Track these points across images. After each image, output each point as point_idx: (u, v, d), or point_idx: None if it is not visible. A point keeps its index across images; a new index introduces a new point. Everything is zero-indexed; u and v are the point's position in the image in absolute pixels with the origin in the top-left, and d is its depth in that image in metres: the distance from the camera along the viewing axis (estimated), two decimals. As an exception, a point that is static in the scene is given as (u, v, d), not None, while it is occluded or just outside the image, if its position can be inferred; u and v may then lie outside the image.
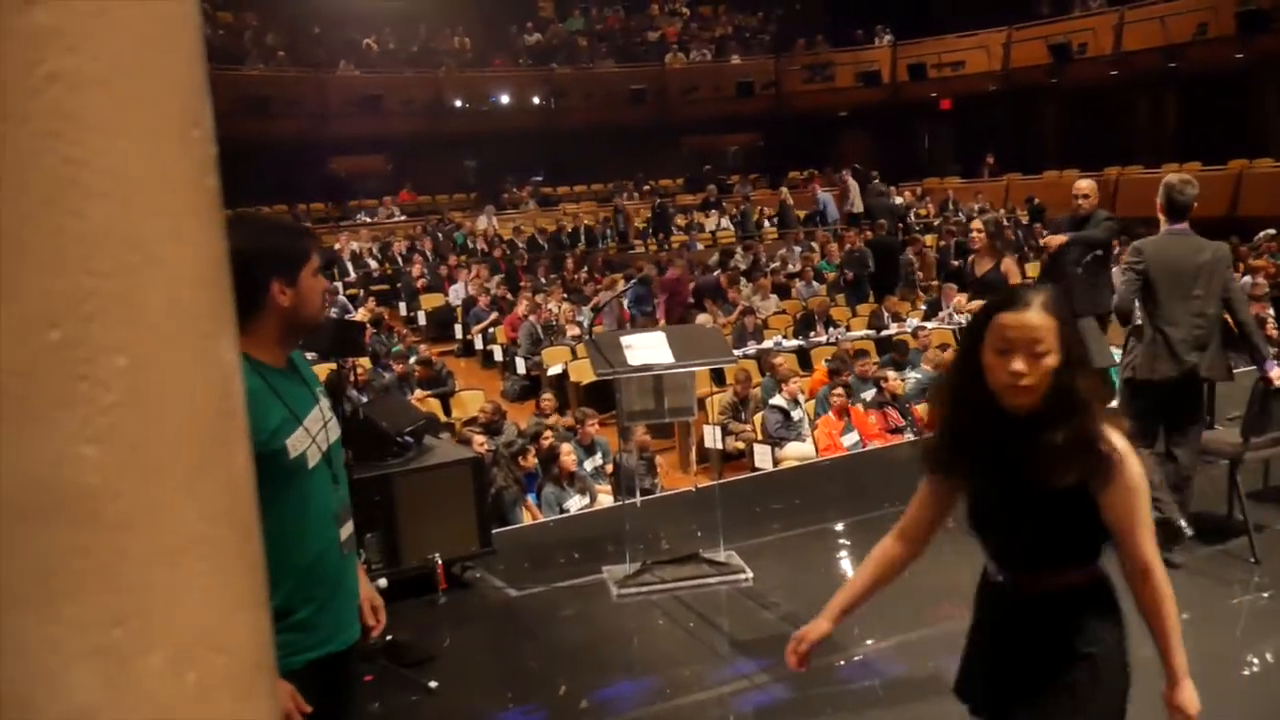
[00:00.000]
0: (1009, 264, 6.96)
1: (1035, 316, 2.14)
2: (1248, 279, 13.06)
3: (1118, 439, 2.18)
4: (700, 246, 19.84)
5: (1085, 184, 7.28)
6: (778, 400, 9.14)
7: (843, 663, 4.56)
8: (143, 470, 0.75)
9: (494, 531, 5.98)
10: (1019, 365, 2.13)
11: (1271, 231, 8.37)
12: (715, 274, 15.61)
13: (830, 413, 8.95)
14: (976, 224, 7.26)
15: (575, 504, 7.62)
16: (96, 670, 0.70)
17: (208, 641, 0.77)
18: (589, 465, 8.21)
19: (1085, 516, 2.21)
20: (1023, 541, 2.31)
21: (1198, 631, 4.59)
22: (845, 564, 5.79)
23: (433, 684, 4.50)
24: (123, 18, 0.79)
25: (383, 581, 5.18)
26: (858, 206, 21.35)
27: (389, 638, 4.85)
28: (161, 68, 0.81)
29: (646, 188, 24.58)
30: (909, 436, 8.71)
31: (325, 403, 2.59)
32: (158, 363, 0.76)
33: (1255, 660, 4.32)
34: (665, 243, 19.97)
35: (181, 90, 0.83)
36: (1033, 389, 2.14)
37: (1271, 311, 10.79)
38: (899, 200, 22.09)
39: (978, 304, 6.62)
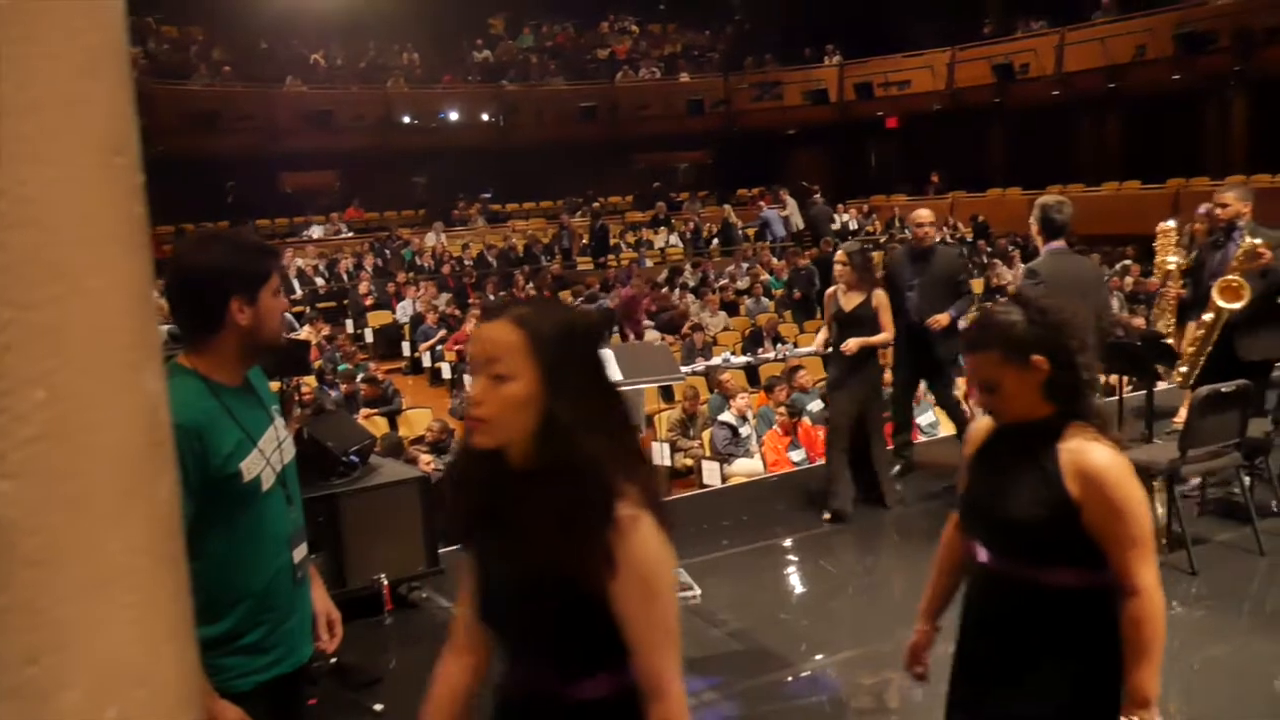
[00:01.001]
0: (881, 296, 6.46)
1: (496, 329, 1.68)
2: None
3: (633, 510, 1.66)
4: (649, 264, 19.92)
5: (924, 213, 7.11)
6: (726, 417, 9.18)
7: (790, 679, 4.57)
8: (63, 504, 0.74)
9: (441, 551, 5.94)
10: (475, 389, 1.68)
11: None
12: (673, 303, 15.64)
13: (777, 428, 9.01)
14: (841, 256, 6.66)
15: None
16: (11, 711, 0.69)
17: (129, 675, 0.76)
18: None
19: (598, 610, 1.69)
20: (526, 635, 1.81)
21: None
22: (793, 580, 5.81)
23: (378, 707, 4.45)
24: (48, 46, 0.78)
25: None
26: (796, 224, 21.71)
27: (334, 660, 4.79)
28: (87, 96, 0.81)
29: (595, 204, 24.63)
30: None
31: (280, 421, 2.56)
32: (79, 394, 0.76)
33: (1193, 669, 4.39)
34: (605, 261, 20.03)
35: (107, 118, 0.83)
36: (488, 422, 1.66)
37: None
38: (846, 217, 22.36)
39: (856, 342, 6.31)
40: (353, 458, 5.54)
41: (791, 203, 22.39)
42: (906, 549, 6.10)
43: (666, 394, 10.36)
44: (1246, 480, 5.76)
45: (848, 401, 6.44)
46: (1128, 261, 15.78)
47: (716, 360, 11.88)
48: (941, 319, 6.69)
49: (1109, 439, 2.27)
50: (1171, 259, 6.75)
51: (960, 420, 7.21)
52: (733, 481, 8.45)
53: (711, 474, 8.51)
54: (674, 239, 21.95)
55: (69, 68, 0.80)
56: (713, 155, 27.99)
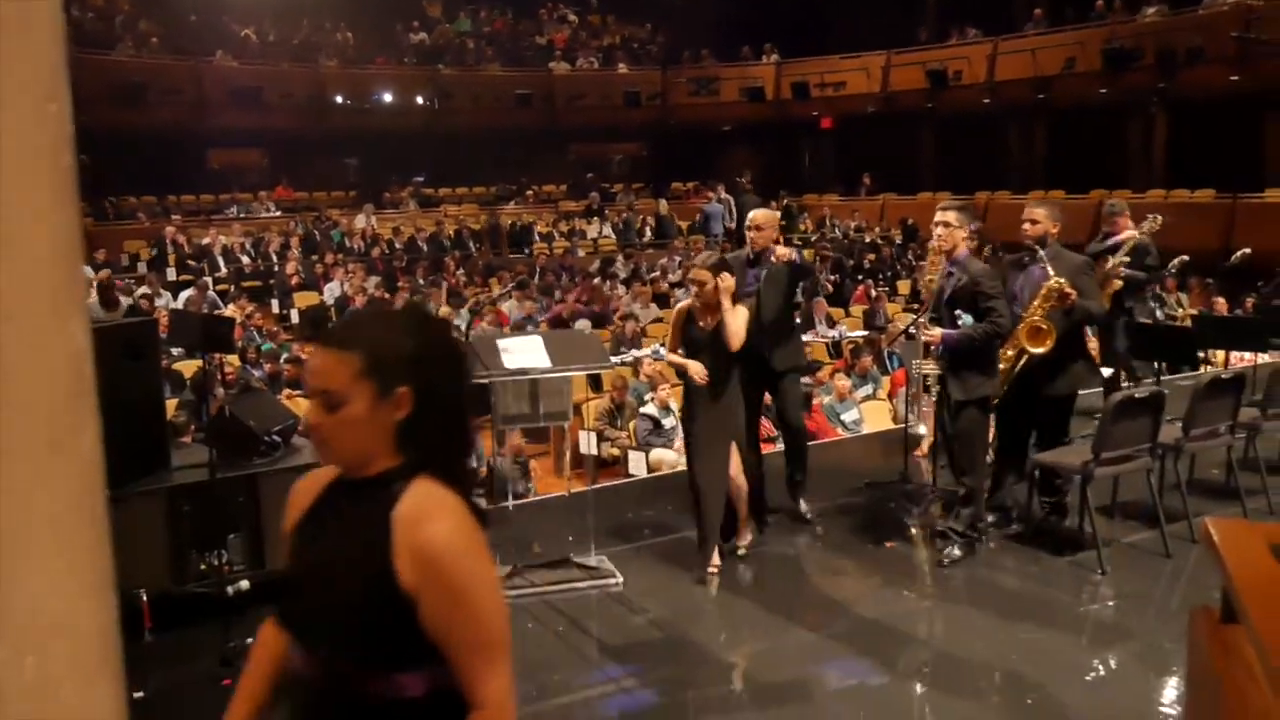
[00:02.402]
0: (738, 313, 5.42)
1: None
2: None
3: None
4: (582, 254, 19.92)
5: (760, 214, 6.28)
6: (649, 409, 9.21)
7: (710, 667, 4.61)
8: (-15, 451, 0.72)
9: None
10: None
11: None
12: (604, 294, 15.61)
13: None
14: (704, 275, 5.41)
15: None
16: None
17: (51, 626, 0.75)
18: (463, 469, 8.13)
19: None
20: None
21: (1046, 639, 4.78)
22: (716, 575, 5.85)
23: (294, 688, 4.39)
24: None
25: (244, 584, 5.07)
26: (729, 220, 21.92)
27: (249, 640, 4.73)
28: (19, 41, 0.79)
29: (529, 193, 24.54)
30: (779, 446, 8.85)
31: None
32: (5, 343, 0.74)
33: (1100, 666, 4.52)
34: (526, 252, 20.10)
35: (39, 64, 0.81)
36: None
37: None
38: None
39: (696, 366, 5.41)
40: (274, 437, 5.47)
41: (729, 199, 22.56)
42: (826, 544, 6.18)
43: (595, 383, 10.36)
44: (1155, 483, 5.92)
45: (720, 428, 5.53)
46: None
47: (645, 351, 11.91)
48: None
49: (466, 500, 1.78)
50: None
51: (798, 442, 6.45)
52: (659, 472, 8.48)
53: (637, 464, 8.53)
54: (607, 230, 21.95)
55: (4, 11, 0.78)
56: (648, 148, 28.03)
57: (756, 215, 6.31)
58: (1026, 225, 6.00)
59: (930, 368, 5.72)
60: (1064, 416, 6.12)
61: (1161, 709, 4.13)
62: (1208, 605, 1.54)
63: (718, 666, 4.63)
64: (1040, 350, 5.73)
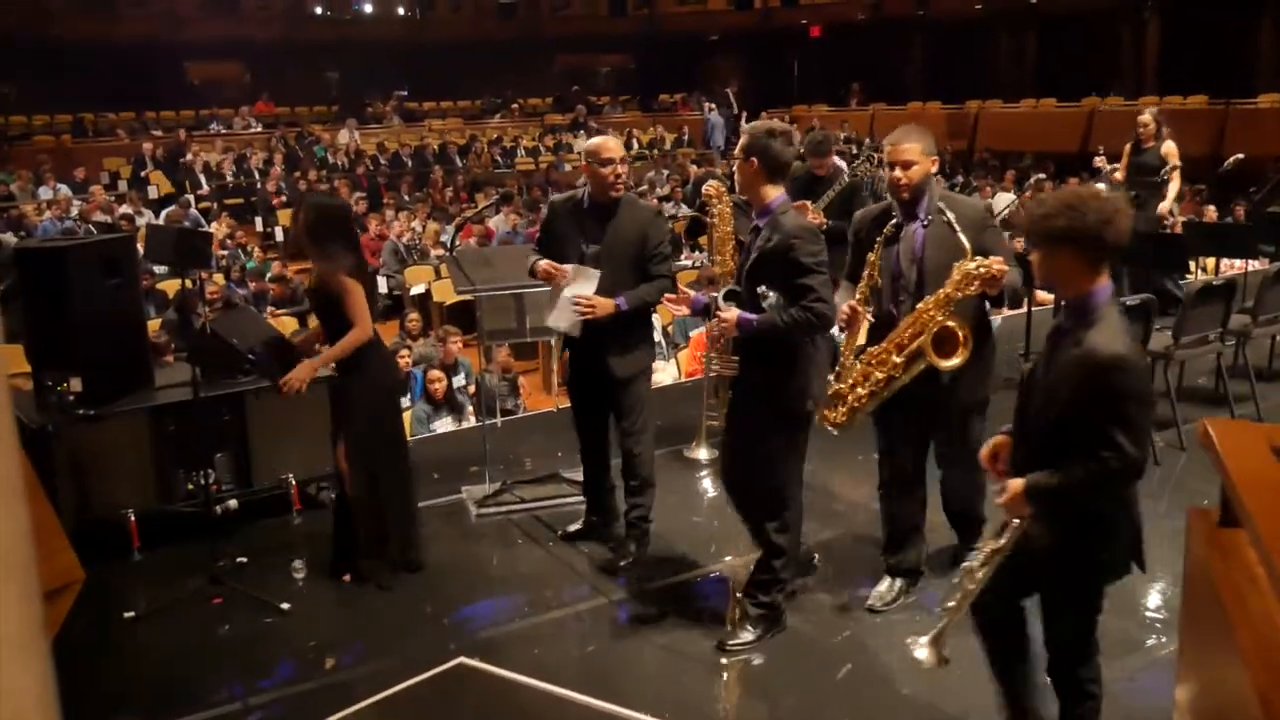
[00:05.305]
0: (349, 285, 4.40)
1: None
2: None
3: None
4: (568, 168, 19.68)
5: (603, 143, 4.55)
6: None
7: (699, 579, 4.63)
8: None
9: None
10: None
11: (1117, 165, 8.75)
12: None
13: (703, 335, 8.96)
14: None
15: (443, 426, 7.54)
16: None
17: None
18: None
19: None
20: None
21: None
22: (704, 484, 5.85)
23: (285, 605, 4.41)
24: None
25: (233, 503, 5.06)
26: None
27: (240, 560, 4.73)
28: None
29: (514, 107, 24.16)
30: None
31: None
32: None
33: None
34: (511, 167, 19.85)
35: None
36: None
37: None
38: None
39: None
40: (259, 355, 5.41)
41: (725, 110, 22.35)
42: (819, 458, 6.18)
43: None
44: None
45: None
46: (1042, 176, 15.95)
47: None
48: (599, 305, 4.46)
49: None
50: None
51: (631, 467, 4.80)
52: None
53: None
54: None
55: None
56: (634, 59, 27.56)
57: (598, 145, 4.55)
58: (896, 172, 3.94)
59: (725, 367, 3.99)
60: (968, 423, 4.21)
61: (1148, 614, 4.16)
62: (1205, 507, 1.51)
63: (707, 578, 4.64)
64: (953, 364, 3.83)
